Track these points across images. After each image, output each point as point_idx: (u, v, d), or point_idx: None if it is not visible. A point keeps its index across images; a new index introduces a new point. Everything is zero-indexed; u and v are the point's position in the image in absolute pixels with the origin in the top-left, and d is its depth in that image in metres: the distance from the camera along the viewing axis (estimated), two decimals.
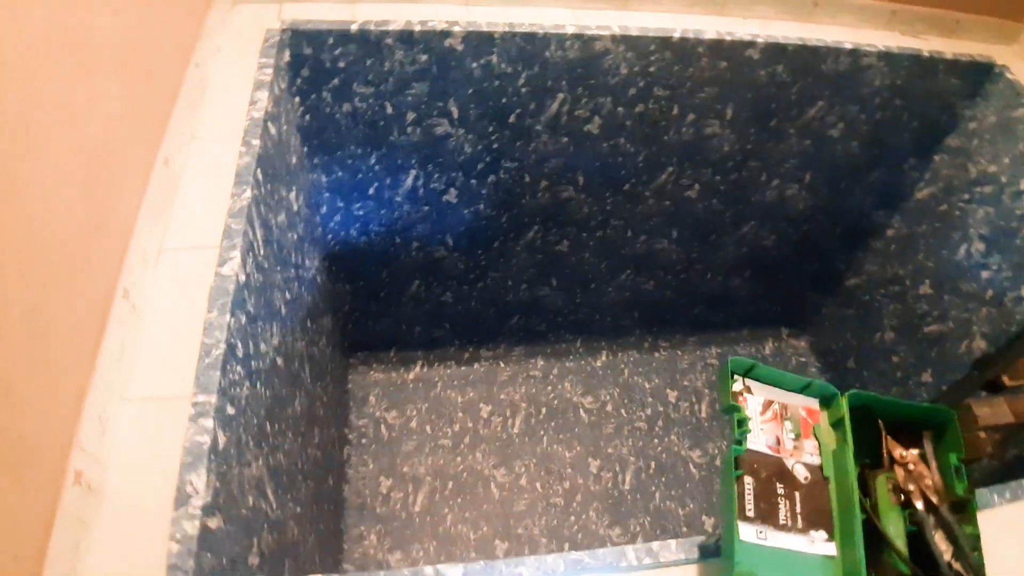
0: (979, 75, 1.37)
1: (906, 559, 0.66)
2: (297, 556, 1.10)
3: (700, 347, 2.07)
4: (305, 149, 1.32)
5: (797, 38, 1.26)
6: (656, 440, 1.90)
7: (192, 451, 0.72)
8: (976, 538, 0.70)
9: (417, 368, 1.95)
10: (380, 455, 1.79)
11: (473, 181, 1.48)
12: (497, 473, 1.80)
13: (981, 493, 0.84)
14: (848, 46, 1.28)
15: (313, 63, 1.20)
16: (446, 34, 1.19)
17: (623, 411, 1.94)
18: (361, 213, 1.51)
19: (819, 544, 0.68)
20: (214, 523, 0.72)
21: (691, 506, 1.79)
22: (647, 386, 2.00)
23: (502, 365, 1.99)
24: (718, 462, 1.86)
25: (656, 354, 2.06)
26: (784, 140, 1.48)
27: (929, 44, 1.37)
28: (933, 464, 0.74)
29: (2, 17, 0.57)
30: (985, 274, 1.38)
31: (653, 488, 1.81)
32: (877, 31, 1.40)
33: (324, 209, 1.48)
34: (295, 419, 1.16)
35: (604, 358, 2.04)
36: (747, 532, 0.66)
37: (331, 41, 1.17)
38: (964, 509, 0.72)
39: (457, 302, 1.82)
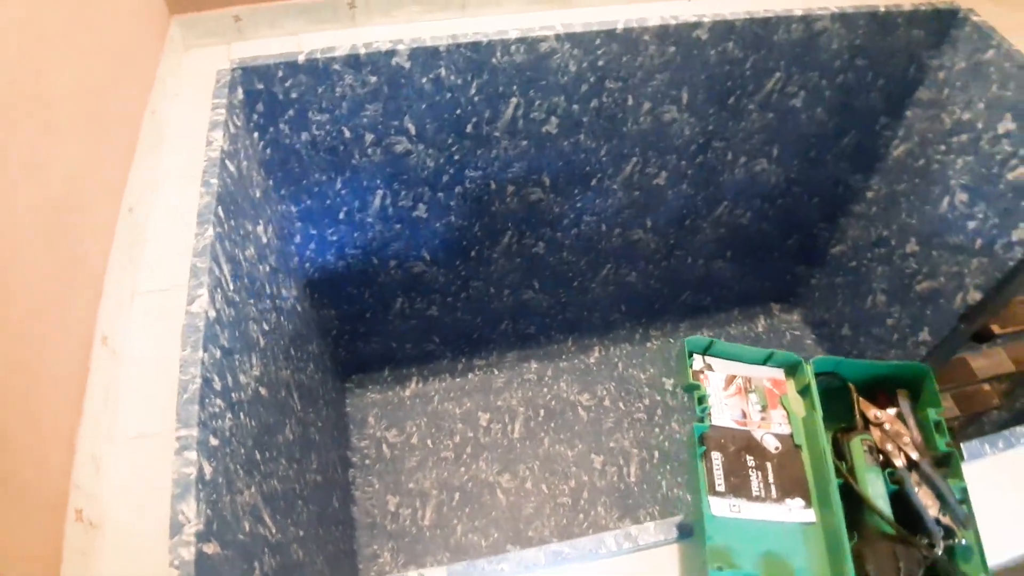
0: (943, 22, 1.36)
1: (888, 518, 0.67)
2: None
3: (692, 332, 2.08)
4: (270, 182, 1.34)
5: (744, 12, 1.27)
6: (657, 429, 1.90)
7: (180, 482, 0.73)
8: (963, 490, 0.70)
9: (412, 384, 1.96)
10: (385, 474, 1.80)
11: (440, 194, 1.49)
12: (502, 479, 1.81)
13: (971, 445, 0.84)
14: (799, 12, 1.28)
15: (267, 97, 1.21)
16: (392, 53, 1.21)
17: (621, 404, 1.95)
18: (335, 238, 1.53)
19: (796, 512, 0.69)
20: (210, 549, 0.73)
21: None
22: (642, 377, 2.00)
23: (496, 372, 2.00)
24: None
25: (648, 344, 2.07)
26: (745, 117, 1.49)
27: None
28: (911, 421, 0.75)
29: None
30: (972, 224, 1.38)
31: (659, 477, 1.82)
32: None
33: (298, 239, 1.49)
34: (287, 446, 1.17)
35: (597, 354, 2.04)
36: (719, 507, 0.67)
37: (281, 74, 1.19)
38: (947, 463, 0.72)
39: (443, 315, 1.83)
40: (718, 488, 0.68)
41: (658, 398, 1.96)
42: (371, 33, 1.23)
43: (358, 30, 1.24)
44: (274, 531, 0.99)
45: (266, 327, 1.15)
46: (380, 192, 1.44)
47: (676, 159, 1.55)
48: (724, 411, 0.74)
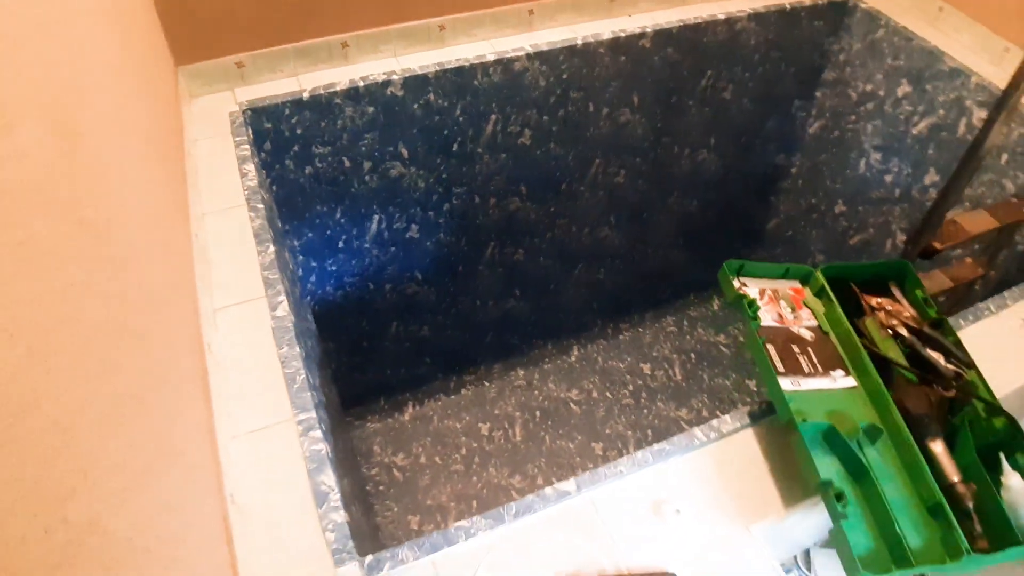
0: (838, 12, 1.63)
1: (912, 369, 0.84)
2: None
3: (657, 320, 2.26)
4: (278, 218, 1.42)
5: (678, 21, 1.49)
6: (645, 411, 2.05)
7: (314, 458, 0.81)
8: (958, 342, 0.88)
9: (410, 409, 2.03)
10: (401, 496, 1.85)
11: (431, 213, 1.61)
12: (514, 481, 1.90)
13: (950, 320, 1.02)
14: (722, 16, 1.51)
15: (274, 135, 1.31)
16: (387, 83, 1.34)
17: (608, 394, 2.09)
18: (334, 268, 1.61)
19: (841, 380, 0.85)
20: (350, 516, 0.81)
21: None
22: (622, 366, 2.16)
23: (487, 384, 2.10)
24: (704, 413, 2.03)
25: (621, 337, 2.22)
26: (686, 113, 1.70)
27: None
28: (904, 302, 0.93)
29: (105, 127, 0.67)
30: (888, 178, 1.63)
31: None
32: None
33: (300, 272, 1.57)
34: (345, 453, 1.24)
35: (576, 353, 2.18)
36: (784, 384, 0.82)
37: (287, 112, 1.29)
38: (941, 326, 0.91)
39: (434, 334, 1.93)
40: (779, 370, 0.83)
41: (640, 382, 2.11)
42: (364, 68, 1.35)
43: (351, 67, 1.36)
44: (363, 525, 1.06)
45: (311, 344, 1.23)
46: (376, 217, 1.55)
47: (632, 157, 1.74)
48: (765, 315, 0.89)
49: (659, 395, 2.09)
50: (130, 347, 0.55)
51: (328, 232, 1.53)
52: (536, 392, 2.08)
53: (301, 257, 1.54)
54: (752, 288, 0.93)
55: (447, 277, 1.79)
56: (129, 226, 0.63)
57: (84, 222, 0.50)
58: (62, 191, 0.48)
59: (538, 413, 2.04)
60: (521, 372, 2.13)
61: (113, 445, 0.46)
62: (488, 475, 1.91)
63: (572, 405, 2.06)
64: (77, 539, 0.38)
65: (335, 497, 0.78)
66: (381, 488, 1.87)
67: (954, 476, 0.76)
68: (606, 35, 1.46)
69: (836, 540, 0.70)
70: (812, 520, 0.93)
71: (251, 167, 1.16)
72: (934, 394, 0.82)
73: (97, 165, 0.57)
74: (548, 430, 2.00)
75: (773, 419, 0.87)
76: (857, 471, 0.76)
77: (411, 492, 1.86)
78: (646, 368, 2.15)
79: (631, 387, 2.10)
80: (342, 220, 1.52)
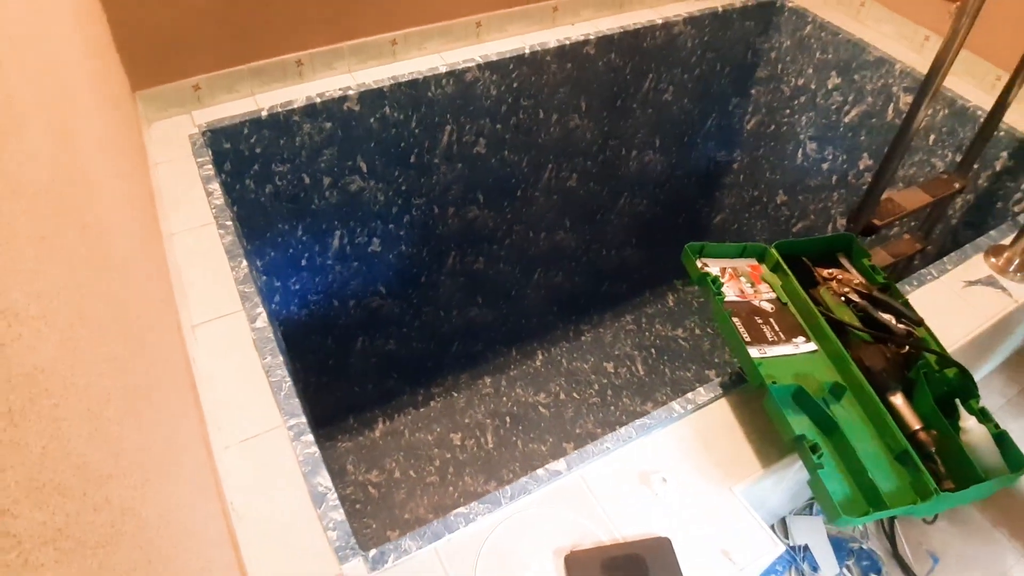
0: (766, 12, 1.72)
1: (865, 330, 0.90)
2: None
3: (616, 319, 2.32)
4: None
5: (619, 27, 1.55)
6: (612, 407, 2.10)
7: (308, 461, 0.82)
8: (906, 303, 0.95)
9: (380, 425, 2.03)
10: (378, 512, 1.85)
11: (391, 226, 1.63)
12: (490, 487, 1.91)
13: (896, 286, 1.09)
14: (659, 21, 1.58)
15: (233, 155, 1.32)
16: (343, 99, 1.36)
17: (575, 394, 2.13)
18: (297, 287, 1.61)
19: (803, 346, 0.90)
20: (344, 515, 0.82)
21: None
22: (586, 367, 2.20)
23: (455, 395, 2.11)
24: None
25: (582, 338, 2.27)
26: (631, 116, 1.77)
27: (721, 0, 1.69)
28: (853, 271, 1.00)
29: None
30: (825, 165, 1.73)
31: None
32: (678, 2, 1.71)
33: (264, 292, 1.56)
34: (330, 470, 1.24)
35: (540, 357, 2.22)
36: (752, 352, 0.87)
37: (246, 131, 1.30)
38: (889, 290, 0.97)
39: (400, 347, 1.94)
40: (746, 339, 0.88)
41: (605, 381, 2.16)
42: (320, 85, 1.37)
43: (307, 84, 1.38)
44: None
45: (286, 359, 1.23)
46: (338, 232, 1.56)
47: (583, 161, 1.80)
48: (728, 291, 0.94)
49: (624, 392, 2.14)
50: (134, 351, 0.56)
51: (290, 250, 1.53)
52: (504, 398, 2.11)
53: (264, 277, 1.54)
54: (713, 267, 0.98)
55: (410, 289, 1.81)
56: (122, 238, 0.64)
57: (87, 227, 0.51)
58: (66, 195, 0.49)
59: (508, 419, 2.06)
60: (488, 380, 2.15)
61: (133, 438, 0.47)
62: (464, 484, 1.92)
63: (541, 408, 2.09)
64: (120, 520, 0.39)
65: (332, 497, 0.80)
66: (358, 507, 1.86)
67: (916, 425, 0.82)
68: (552, 43, 1.51)
69: (815, 490, 0.75)
70: (786, 484, 0.98)
71: (216, 186, 1.16)
72: (890, 351, 0.88)
73: (90, 176, 0.58)
74: (519, 435, 2.03)
75: (743, 388, 0.92)
76: (827, 427, 0.81)
77: (388, 508, 1.86)
78: (609, 367, 2.20)
79: (596, 386, 2.15)
80: (304, 237, 1.52)
